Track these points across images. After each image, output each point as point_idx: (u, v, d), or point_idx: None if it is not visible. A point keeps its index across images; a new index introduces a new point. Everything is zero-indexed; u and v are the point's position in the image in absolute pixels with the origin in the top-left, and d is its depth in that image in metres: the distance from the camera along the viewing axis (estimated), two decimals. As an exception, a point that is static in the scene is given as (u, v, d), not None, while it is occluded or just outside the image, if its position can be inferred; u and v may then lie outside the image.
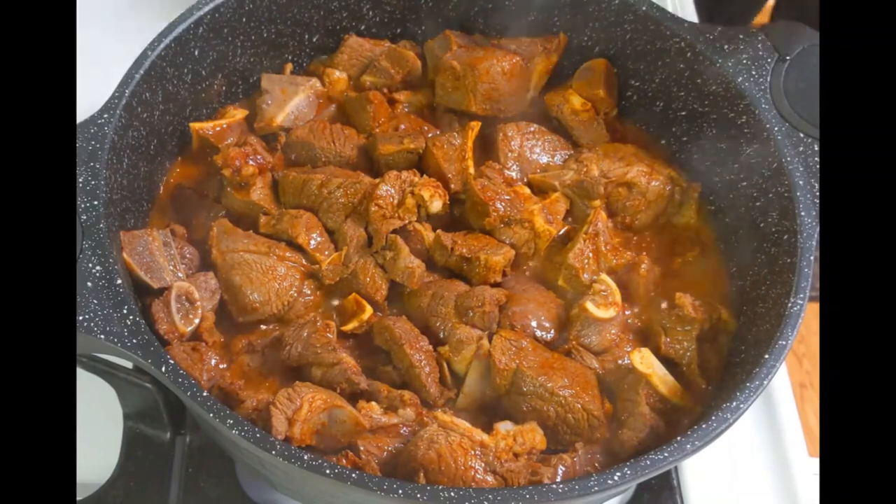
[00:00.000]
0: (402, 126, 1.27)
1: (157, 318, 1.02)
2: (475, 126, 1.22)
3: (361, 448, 0.97)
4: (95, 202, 1.00)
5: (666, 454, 0.89)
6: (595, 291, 1.11)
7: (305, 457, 0.86)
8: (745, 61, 1.18)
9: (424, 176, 1.19)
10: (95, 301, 0.94)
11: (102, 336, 0.93)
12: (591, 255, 1.15)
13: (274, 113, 1.25)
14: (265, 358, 1.08)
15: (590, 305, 1.10)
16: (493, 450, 0.96)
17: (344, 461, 0.96)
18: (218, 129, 1.21)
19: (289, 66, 1.32)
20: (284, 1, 1.25)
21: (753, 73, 1.17)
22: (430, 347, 1.08)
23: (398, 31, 1.36)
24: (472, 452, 0.95)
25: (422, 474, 0.94)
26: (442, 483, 0.93)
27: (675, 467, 1.23)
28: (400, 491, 0.85)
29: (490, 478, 0.95)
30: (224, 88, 1.27)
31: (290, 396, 0.97)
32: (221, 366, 1.03)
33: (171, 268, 1.08)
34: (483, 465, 0.95)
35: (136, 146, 1.12)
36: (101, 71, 1.13)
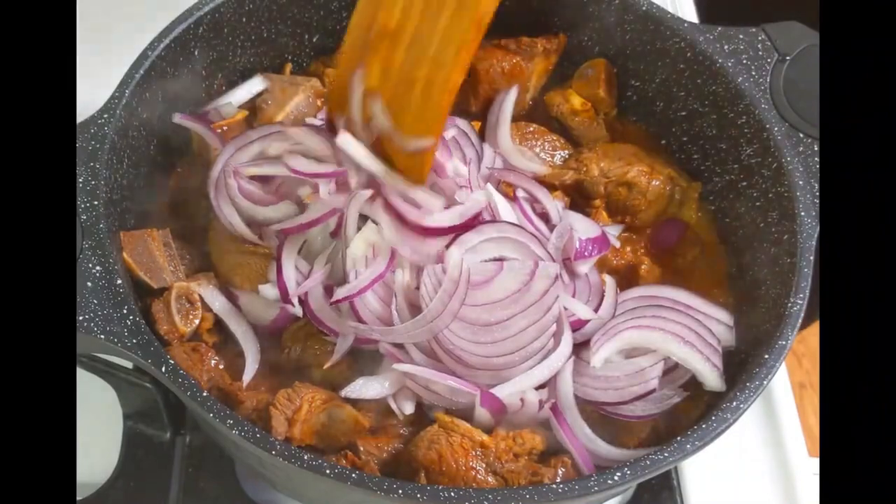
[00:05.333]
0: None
1: (157, 319, 1.02)
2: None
3: (361, 448, 0.97)
4: (95, 202, 1.00)
5: (666, 454, 0.89)
6: None
7: (305, 457, 0.86)
8: (745, 61, 1.18)
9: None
10: (95, 301, 0.94)
11: (102, 336, 0.93)
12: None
13: (274, 113, 1.24)
14: (265, 358, 1.08)
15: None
16: (494, 451, 0.96)
17: (344, 461, 0.96)
18: (218, 130, 1.21)
19: (288, 66, 1.32)
20: (284, 1, 1.25)
21: (753, 73, 1.17)
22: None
23: (398, 31, 1.35)
24: (473, 453, 0.95)
25: (423, 475, 0.94)
26: (443, 484, 0.93)
27: (675, 467, 1.23)
28: (400, 491, 0.85)
29: (491, 478, 0.95)
30: (224, 88, 1.27)
31: (290, 397, 0.98)
32: (221, 366, 1.03)
33: (171, 268, 1.08)
34: (484, 465, 0.95)
35: (136, 146, 1.12)
36: (101, 71, 1.13)
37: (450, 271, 1.02)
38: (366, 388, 1.01)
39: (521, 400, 1.00)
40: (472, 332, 1.01)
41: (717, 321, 1.08)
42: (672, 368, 1.04)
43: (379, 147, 1.07)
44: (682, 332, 1.04)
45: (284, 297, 1.05)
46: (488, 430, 0.99)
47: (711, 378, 1.03)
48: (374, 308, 1.04)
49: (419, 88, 1.01)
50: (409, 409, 1.01)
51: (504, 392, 0.99)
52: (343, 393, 0.99)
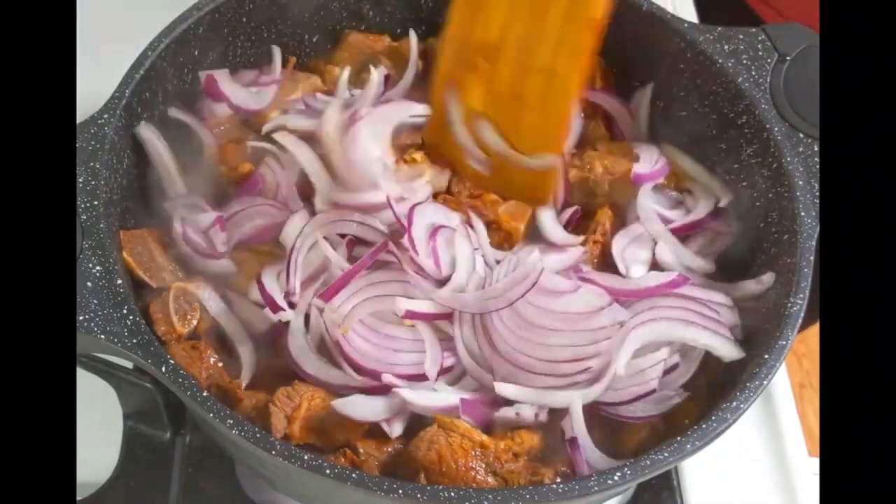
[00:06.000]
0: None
1: (156, 319, 1.02)
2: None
3: (361, 448, 0.97)
4: (95, 202, 1.00)
5: (666, 454, 0.89)
6: None
7: (305, 457, 0.86)
8: (745, 61, 1.18)
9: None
10: (95, 301, 0.94)
11: (102, 336, 0.93)
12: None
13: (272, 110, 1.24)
14: (263, 359, 1.08)
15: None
16: (493, 451, 0.96)
17: (343, 461, 0.96)
18: (216, 129, 1.21)
19: (292, 60, 1.31)
20: (284, 1, 1.25)
21: (753, 73, 1.17)
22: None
23: (398, 31, 1.36)
24: (473, 453, 0.95)
25: (423, 475, 0.94)
26: (443, 484, 0.93)
27: (675, 467, 1.23)
28: (400, 491, 0.85)
29: (491, 478, 0.95)
30: (224, 88, 1.27)
31: (290, 395, 0.98)
32: (220, 364, 1.03)
33: (171, 268, 1.08)
34: (484, 465, 0.95)
35: (136, 146, 1.12)
36: (101, 71, 1.13)
37: (525, 266, 1.02)
38: (359, 407, 0.98)
39: (517, 413, 1.00)
40: (514, 322, 1.01)
41: (716, 303, 1.08)
42: (672, 369, 1.04)
43: (498, 174, 1.03)
44: (683, 315, 1.04)
45: (273, 308, 1.03)
46: (487, 430, 0.99)
47: (726, 348, 1.03)
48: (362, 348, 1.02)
49: (532, 102, 0.96)
50: (397, 430, 0.99)
51: (509, 391, 0.99)
52: (333, 404, 0.97)
